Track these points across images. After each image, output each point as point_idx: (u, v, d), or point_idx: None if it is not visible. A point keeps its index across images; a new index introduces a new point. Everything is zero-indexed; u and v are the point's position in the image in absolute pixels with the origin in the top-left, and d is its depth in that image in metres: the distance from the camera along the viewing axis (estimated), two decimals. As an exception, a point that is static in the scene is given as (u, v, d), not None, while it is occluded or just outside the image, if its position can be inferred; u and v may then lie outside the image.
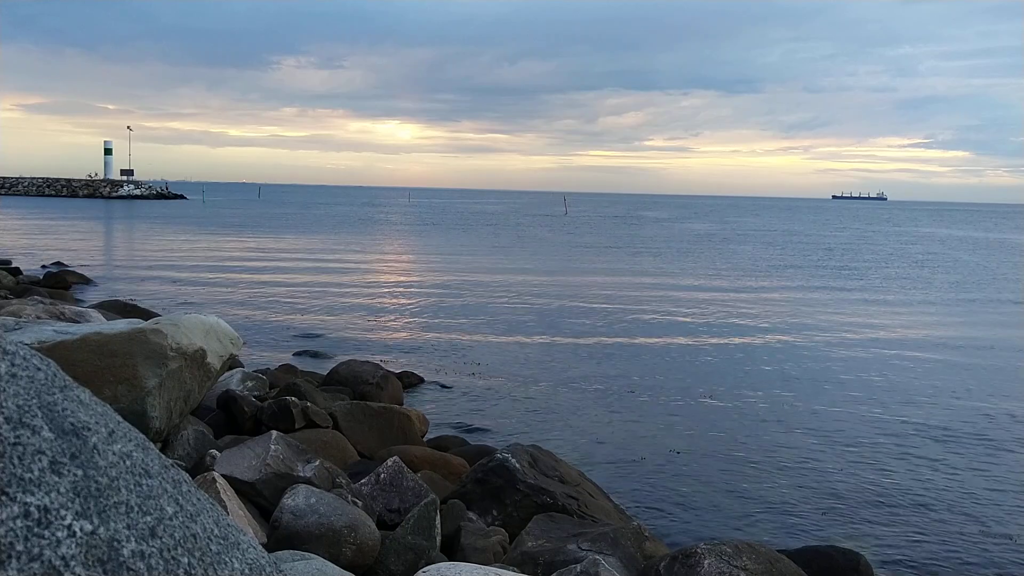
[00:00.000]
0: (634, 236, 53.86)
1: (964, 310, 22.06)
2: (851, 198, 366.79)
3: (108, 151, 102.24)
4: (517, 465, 6.22)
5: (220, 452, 5.61)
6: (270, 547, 4.28)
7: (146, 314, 13.45)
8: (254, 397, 7.95)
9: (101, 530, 1.53)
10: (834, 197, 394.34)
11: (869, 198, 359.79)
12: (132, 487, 1.71)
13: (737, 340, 16.39)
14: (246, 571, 1.91)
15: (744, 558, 4.65)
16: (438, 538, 4.96)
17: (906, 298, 24.23)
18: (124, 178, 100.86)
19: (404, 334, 16.36)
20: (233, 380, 8.48)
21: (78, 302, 16.27)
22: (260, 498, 5.26)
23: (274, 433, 5.79)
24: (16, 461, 1.47)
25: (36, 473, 1.49)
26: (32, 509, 1.43)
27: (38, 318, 9.26)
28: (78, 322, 8.90)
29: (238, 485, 5.17)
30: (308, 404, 7.52)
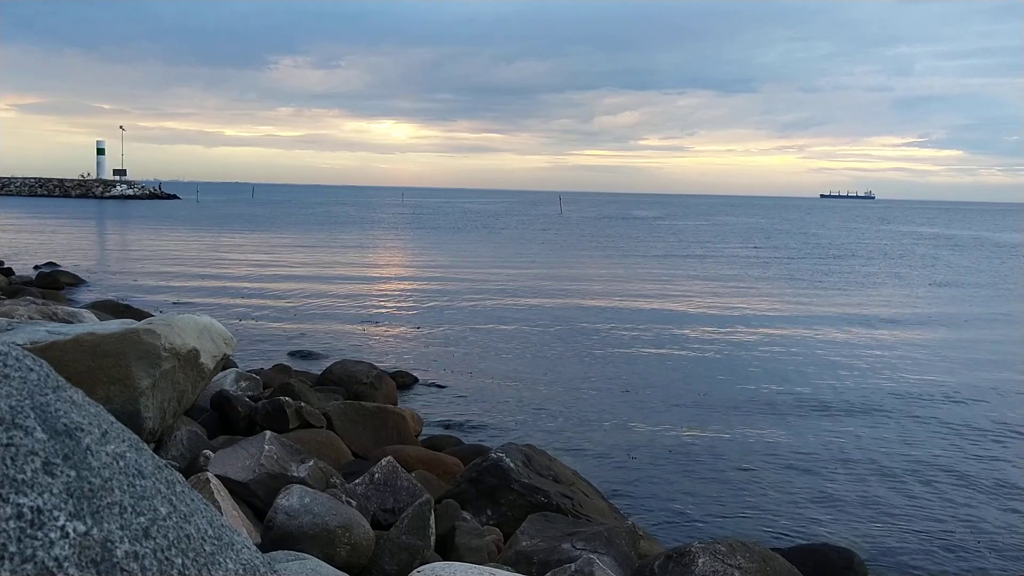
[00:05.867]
0: (627, 235, 53.93)
1: (951, 303, 22.15)
2: (839, 197, 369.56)
3: (101, 151, 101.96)
4: (511, 465, 6.22)
5: (214, 452, 5.59)
6: (264, 547, 4.28)
7: (139, 314, 13.41)
8: (248, 397, 7.94)
9: (95, 531, 1.53)
10: (822, 196, 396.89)
11: (857, 196, 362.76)
12: (126, 488, 1.71)
13: (730, 339, 16.42)
14: (240, 571, 1.91)
15: (738, 556, 4.66)
16: (432, 538, 4.96)
17: (894, 292, 24.32)
18: (117, 178, 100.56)
19: (398, 334, 16.35)
20: (227, 380, 8.46)
21: (71, 302, 16.21)
22: (254, 498, 5.25)
23: (268, 433, 5.78)
24: (9, 462, 1.47)
25: (29, 474, 1.48)
26: (25, 510, 1.42)
27: (31, 319, 9.22)
28: (71, 322, 8.87)
29: (232, 485, 5.16)
30: (302, 404, 7.51)
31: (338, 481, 5.68)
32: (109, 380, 5.39)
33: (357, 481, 5.69)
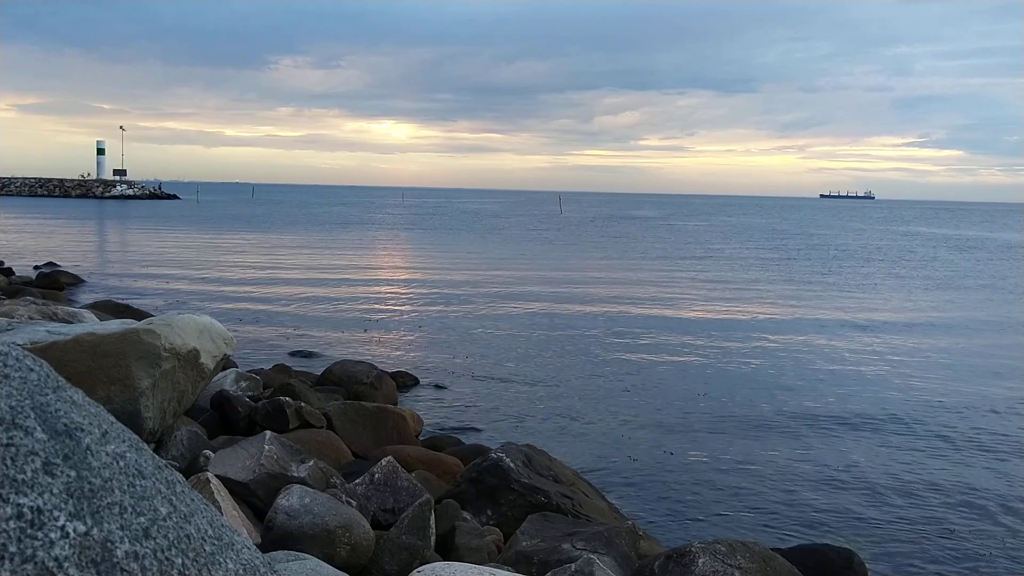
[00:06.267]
0: (627, 236, 53.93)
1: (950, 306, 22.15)
2: (839, 196, 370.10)
3: (101, 151, 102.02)
4: (511, 465, 6.22)
5: (214, 452, 5.59)
6: (264, 547, 4.28)
7: (139, 314, 13.41)
8: (248, 397, 7.94)
9: (95, 531, 1.53)
10: (822, 196, 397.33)
11: (857, 197, 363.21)
12: (126, 488, 1.71)
13: (729, 340, 16.42)
14: (240, 572, 1.91)
15: (738, 556, 4.66)
16: (433, 538, 4.96)
17: (892, 294, 24.32)
18: (117, 178, 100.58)
19: (398, 334, 16.35)
20: (227, 380, 8.46)
21: (71, 302, 16.22)
22: (254, 498, 5.25)
23: (268, 433, 5.78)
24: (9, 462, 1.47)
25: (29, 474, 1.48)
26: (25, 510, 1.42)
27: (31, 319, 9.23)
28: (71, 323, 8.87)
29: (232, 485, 5.16)
30: (302, 404, 7.51)
31: (338, 481, 5.68)
32: (109, 380, 5.39)
33: (357, 481, 5.69)
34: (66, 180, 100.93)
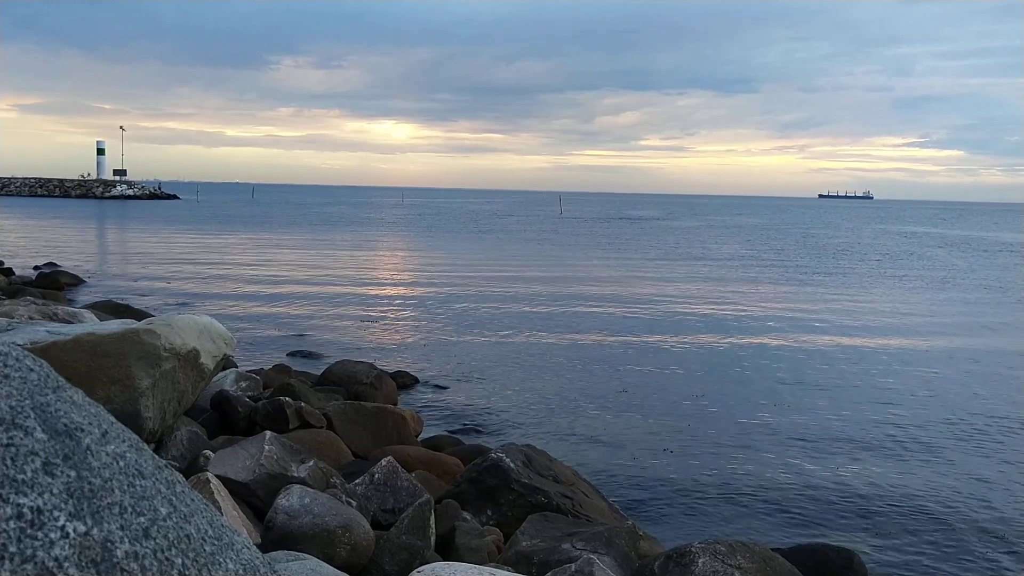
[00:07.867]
0: (626, 236, 53.93)
1: (949, 307, 22.15)
2: (838, 196, 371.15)
3: (101, 151, 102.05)
4: (511, 465, 6.22)
5: (214, 453, 5.59)
6: (264, 547, 4.27)
7: (139, 314, 13.41)
8: (248, 397, 7.93)
9: (95, 531, 1.53)
10: (821, 196, 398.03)
11: (855, 197, 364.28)
12: (126, 488, 1.71)
13: (726, 340, 16.42)
14: (240, 572, 1.91)
15: (738, 557, 4.66)
16: (432, 538, 4.96)
17: (890, 294, 24.32)
18: (117, 178, 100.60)
19: (398, 334, 16.35)
20: (227, 380, 8.46)
21: (71, 303, 16.22)
22: (254, 498, 5.25)
23: (268, 433, 5.78)
24: (9, 462, 1.47)
25: (29, 474, 1.49)
26: (25, 510, 1.42)
27: (31, 319, 9.23)
28: (71, 323, 8.88)
29: (232, 486, 5.16)
30: (302, 404, 7.51)
31: (338, 481, 5.68)
32: (109, 380, 5.39)
33: (357, 481, 5.69)
34: (66, 180, 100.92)
